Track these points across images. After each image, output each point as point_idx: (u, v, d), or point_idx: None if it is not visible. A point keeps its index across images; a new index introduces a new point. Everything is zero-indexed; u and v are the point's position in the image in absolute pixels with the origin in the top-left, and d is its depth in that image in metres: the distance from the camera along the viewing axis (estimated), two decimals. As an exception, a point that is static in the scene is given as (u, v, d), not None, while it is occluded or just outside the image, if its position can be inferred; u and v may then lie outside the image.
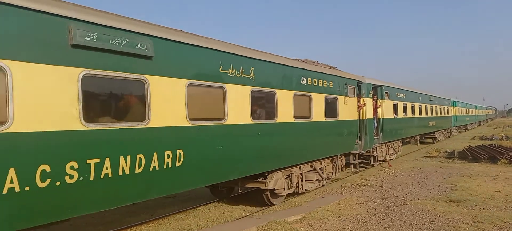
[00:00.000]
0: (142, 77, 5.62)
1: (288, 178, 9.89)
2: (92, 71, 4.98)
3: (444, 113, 31.56)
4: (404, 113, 19.34)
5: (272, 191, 9.36)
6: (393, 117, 17.35)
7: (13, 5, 4.23)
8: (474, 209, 8.43)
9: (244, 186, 9.27)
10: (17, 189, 4.18)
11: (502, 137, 29.27)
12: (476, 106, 61.94)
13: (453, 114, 36.68)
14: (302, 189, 10.39)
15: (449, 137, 34.44)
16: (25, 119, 4.27)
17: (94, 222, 8.79)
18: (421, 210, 8.43)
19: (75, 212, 4.96)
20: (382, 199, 9.71)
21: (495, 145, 20.98)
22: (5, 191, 4.08)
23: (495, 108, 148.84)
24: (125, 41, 5.37)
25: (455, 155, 18.21)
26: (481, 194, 9.87)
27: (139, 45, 5.55)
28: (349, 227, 7.36)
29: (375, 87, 15.35)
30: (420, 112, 22.75)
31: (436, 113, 27.93)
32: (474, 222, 7.41)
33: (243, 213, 9.21)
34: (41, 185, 4.39)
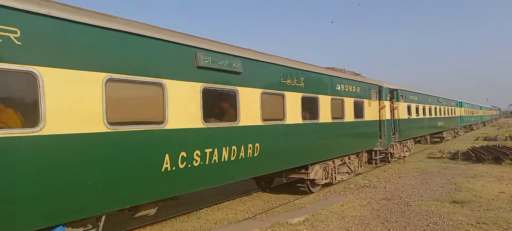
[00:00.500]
0: (235, 88, 7.47)
1: (325, 170, 11.44)
2: (208, 85, 6.84)
3: (451, 114, 33.01)
4: (416, 115, 20.87)
5: (312, 181, 11.00)
6: (407, 118, 18.97)
7: (174, 42, 6.24)
8: (478, 210, 8.38)
9: (288, 177, 10.82)
10: (169, 169, 5.98)
11: (506, 137, 29.11)
12: (480, 107, 63.36)
13: (459, 115, 38.14)
14: (335, 179, 12.04)
15: (455, 136, 35.53)
16: (174, 119, 6.14)
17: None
18: (425, 211, 8.40)
19: (195, 188, 6.85)
20: (385, 200, 9.68)
21: (499, 145, 20.85)
22: (162, 170, 5.89)
23: (499, 108, 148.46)
24: (226, 62, 7.23)
25: (459, 155, 18.14)
26: (485, 195, 9.82)
27: (234, 64, 7.41)
28: (353, 229, 7.34)
29: (392, 91, 16.97)
30: (430, 113, 24.30)
31: (444, 114, 29.41)
32: (479, 224, 7.37)
33: (246, 215, 9.21)
34: (181, 166, 6.21)
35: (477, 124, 54.72)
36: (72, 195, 4.78)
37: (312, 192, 11.20)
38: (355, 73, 14.19)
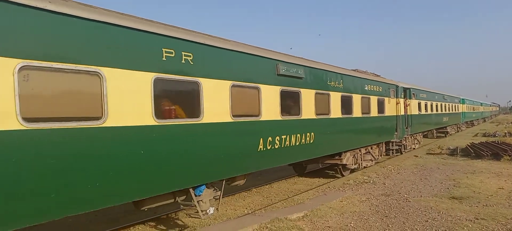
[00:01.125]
0: (299, 90, 9.69)
1: (354, 157, 13.66)
2: (283, 88, 9.06)
3: (455, 110, 35.37)
4: (425, 111, 23.10)
5: (344, 166, 13.20)
6: (418, 113, 21.11)
7: (265, 57, 8.55)
8: (477, 206, 8.41)
9: (324, 162, 12.96)
10: (262, 149, 8.20)
11: (505, 133, 29.16)
12: (481, 103, 65.62)
13: (462, 111, 40.41)
14: (361, 165, 14.30)
15: (458, 131, 37.26)
16: (266, 113, 8.39)
17: (97, 219, 8.83)
18: (424, 207, 8.42)
19: (275, 164, 9.17)
20: (384, 196, 9.70)
21: (498, 141, 20.90)
22: (258, 149, 8.12)
23: (499, 105, 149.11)
24: (295, 70, 9.48)
25: (458, 151, 18.17)
26: (484, 191, 9.85)
27: (299, 71, 9.66)
28: (352, 224, 7.36)
29: (405, 90, 19.03)
30: (437, 110, 26.73)
31: (449, 110, 31.72)
32: (477, 219, 7.40)
33: (246, 211, 9.23)
34: (268, 147, 8.41)
35: (478, 119, 57.14)
36: (212, 165, 7.07)
37: (343, 175, 13.44)
38: (376, 74, 16.67)
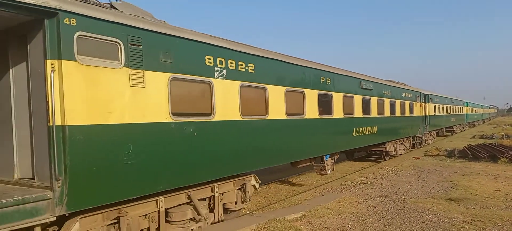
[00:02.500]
0: (370, 97, 14.14)
1: (393, 146, 18.16)
2: (363, 97, 13.43)
3: (460, 112, 40.52)
4: (438, 112, 28.05)
5: (386, 152, 17.57)
6: (433, 114, 26.16)
7: (355, 77, 13.26)
8: (474, 208, 8.44)
9: (371, 150, 17.49)
10: (354, 135, 12.75)
11: (503, 135, 29.27)
12: (481, 106, 71.62)
13: (466, 113, 45.46)
14: (398, 152, 18.92)
15: (462, 130, 42.19)
16: (358, 113, 13.09)
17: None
18: (421, 209, 8.45)
19: (359, 145, 13.68)
20: (382, 197, 9.73)
21: (495, 143, 20.99)
22: (353, 135, 12.66)
23: (497, 107, 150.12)
24: (369, 85, 14.04)
25: (455, 153, 18.20)
26: (481, 193, 9.88)
27: (370, 86, 14.23)
28: (349, 225, 7.38)
29: (425, 95, 23.86)
30: (446, 111, 31.58)
31: (455, 112, 36.68)
32: (474, 221, 7.43)
33: (243, 211, 9.22)
34: (356, 135, 12.95)
35: (478, 120, 62.52)
36: (329, 144, 11.46)
37: (385, 159, 17.82)
38: (405, 84, 21.47)
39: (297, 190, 11.46)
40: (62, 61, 4.55)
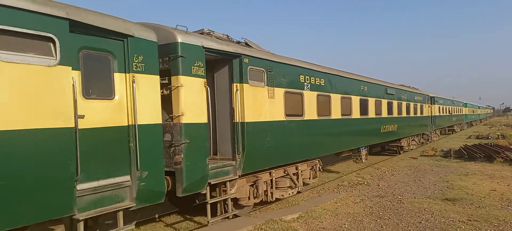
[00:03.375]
0: (392, 101, 18.22)
1: (406, 141, 21.89)
2: (388, 100, 17.46)
3: (460, 113, 44.92)
4: (442, 113, 32.42)
5: (401, 147, 21.10)
6: (438, 115, 30.27)
7: (382, 85, 17.32)
8: (470, 208, 8.47)
9: (388, 145, 21.10)
10: (382, 132, 16.95)
11: (498, 135, 29.39)
12: (478, 106, 77.04)
13: (465, 113, 49.54)
14: (410, 147, 22.64)
15: (461, 130, 44.92)
16: (385, 113, 17.09)
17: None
18: (417, 209, 8.48)
19: (386, 139, 18.17)
20: (378, 198, 9.75)
21: (491, 144, 21.07)
22: (381, 132, 16.78)
23: (494, 107, 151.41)
24: (392, 90, 18.28)
25: (452, 154, 18.28)
26: (477, 193, 9.93)
27: (393, 91, 18.26)
28: (346, 226, 7.39)
29: (431, 97, 27.64)
30: (449, 112, 35.97)
31: (456, 112, 40.89)
32: (470, 221, 7.46)
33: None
34: (384, 131, 16.98)
35: (476, 120, 66.87)
36: (365, 138, 15.14)
37: (400, 153, 21.04)
38: (415, 88, 25.23)
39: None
40: (243, 84, 8.02)
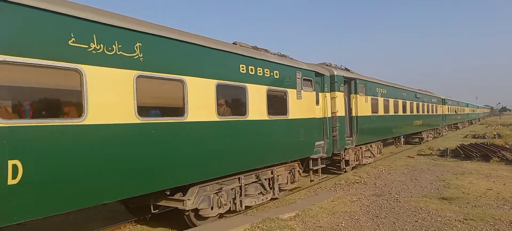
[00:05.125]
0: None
1: (426, 134, 27.86)
2: (416, 102, 24.16)
3: (463, 112, 51.91)
4: (449, 112, 39.06)
5: (422, 138, 26.86)
6: (447, 113, 37.09)
7: (409, 90, 23.62)
8: (466, 207, 8.51)
9: (411, 137, 26.28)
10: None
11: (494, 135, 29.53)
12: (478, 106, 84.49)
13: (467, 113, 56.16)
14: (428, 138, 28.07)
15: (463, 127, 50.45)
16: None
17: (89, 217, 8.74)
18: (414, 208, 8.50)
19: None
20: (375, 197, 9.77)
21: (487, 143, 21.17)
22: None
23: (492, 107, 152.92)
24: (419, 95, 25.81)
25: (448, 153, 18.35)
26: (473, 192, 9.96)
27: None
28: (343, 224, 7.40)
29: (442, 99, 34.42)
30: (454, 111, 43.04)
31: (459, 112, 47.30)
32: (466, 220, 7.48)
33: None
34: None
35: (475, 119, 73.20)
36: (399, 130, 20.87)
37: (421, 143, 25.97)
38: (430, 92, 31.01)
39: (291, 189, 11.47)
40: (357, 95, 14.20)
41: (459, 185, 10.82)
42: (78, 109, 5.06)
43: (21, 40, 4.50)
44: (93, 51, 5.17)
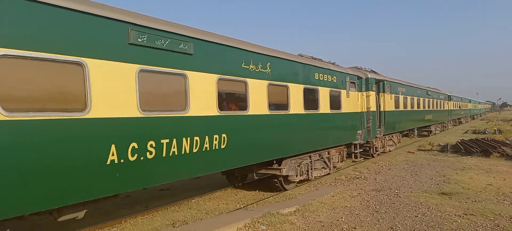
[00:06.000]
0: (425, 98, 26.74)
1: (435, 127, 31.06)
2: (427, 98, 27.66)
3: (466, 107, 55.35)
4: (454, 108, 42.21)
5: (431, 131, 29.94)
6: (452, 109, 40.18)
7: (423, 88, 27.45)
8: (466, 202, 8.52)
9: (422, 130, 28.96)
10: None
11: (495, 130, 29.50)
12: (479, 102, 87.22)
13: (470, 108, 59.71)
14: (436, 131, 31.35)
15: (466, 122, 53.97)
16: (420, 108, 25.23)
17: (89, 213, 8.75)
18: (414, 203, 8.52)
19: (424, 124, 27.39)
20: (375, 192, 9.79)
21: (487, 138, 21.17)
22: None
23: (494, 102, 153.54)
24: (430, 92, 29.13)
25: (448, 148, 18.36)
26: (473, 187, 9.98)
27: (428, 93, 28.01)
28: (343, 219, 7.42)
29: (449, 96, 37.57)
30: (459, 107, 46.46)
31: (463, 107, 50.80)
32: (466, 215, 7.50)
33: (238, 205, 9.25)
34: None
35: (477, 114, 76.57)
36: (413, 123, 23.89)
37: (429, 135, 28.79)
38: (438, 89, 33.86)
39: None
40: (384, 93, 17.14)
41: (459, 180, 10.84)
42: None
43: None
44: (252, 70, 8.43)
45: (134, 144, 5.56)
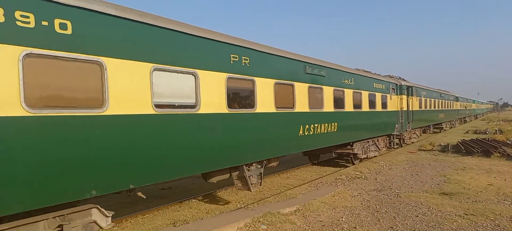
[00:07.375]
0: (438, 99, 30.96)
1: (445, 125, 36.01)
2: (441, 100, 33.15)
3: (471, 107, 60.04)
4: (461, 108, 46.79)
5: (442, 128, 34.61)
6: (458, 109, 43.55)
7: (437, 91, 31.84)
8: (466, 202, 8.52)
9: (434, 126, 32.44)
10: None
11: (496, 130, 29.48)
12: (482, 102, 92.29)
13: (474, 108, 64.09)
14: (446, 128, 35.96)
15: (470, 120, 57.49)
16: (436, 107, 30.38)
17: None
18: (414, 203, 8.52)
19: (437, 121, 32.25)
20: (376, 192, 9.79)
21: (488, 138, 21.15)
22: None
23: (497, 102, 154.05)
24: (442, 95, 34.24)
25: (449, 148, 18.35)
26: (474, 187, 9.97)
27: (442, 95, 33.37)
28: (343, 219, 7.43)
29: (456, 97, 41.56)
30: (465, 107, 50.88)
31: (468, 107, 55.17)
32: (467, 215, 7.50)
33: (238, 205, 9.26)
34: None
35: (480, 114, 79.97)
36: (430, 121, 28.81)
37: (440, 132, 33.24)
38: (447, 91, 38.38)
39: (292, 184, 11.51)
40: (412, 97, 21.08)
41: (459, 180, 10.83)
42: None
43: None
44: (347, 83, 12.92)
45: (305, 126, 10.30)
